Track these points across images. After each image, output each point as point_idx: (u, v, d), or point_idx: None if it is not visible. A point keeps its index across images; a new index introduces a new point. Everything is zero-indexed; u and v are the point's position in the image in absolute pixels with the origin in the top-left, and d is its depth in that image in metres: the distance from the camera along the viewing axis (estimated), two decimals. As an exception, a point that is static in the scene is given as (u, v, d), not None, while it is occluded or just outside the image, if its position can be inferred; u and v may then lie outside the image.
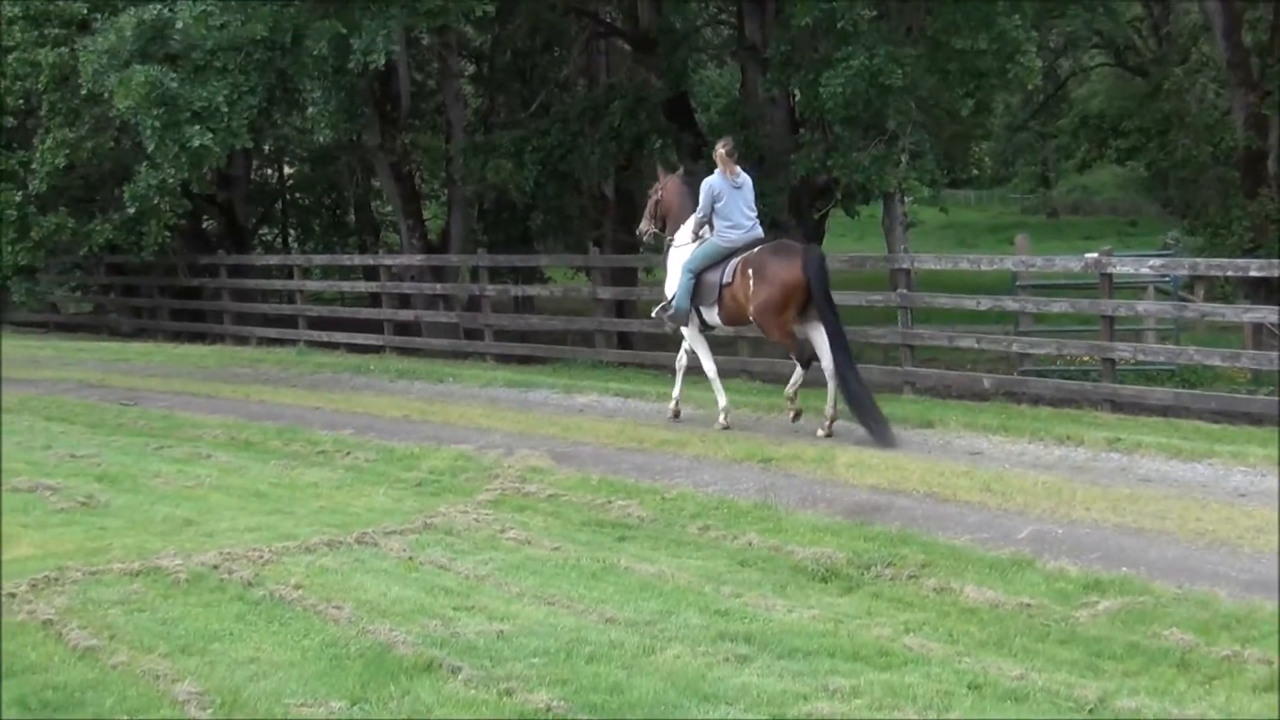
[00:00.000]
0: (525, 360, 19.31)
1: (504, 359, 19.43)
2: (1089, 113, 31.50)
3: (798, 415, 12.62)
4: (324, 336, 22.13)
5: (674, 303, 13.12)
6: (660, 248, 14.38)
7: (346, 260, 27.51)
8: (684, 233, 13.21)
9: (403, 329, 21.59)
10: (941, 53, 17.91)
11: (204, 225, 30.37)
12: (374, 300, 23.73)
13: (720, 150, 12.96)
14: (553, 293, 23.37)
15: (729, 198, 12.77)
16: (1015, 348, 16.55)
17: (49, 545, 8.38)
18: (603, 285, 19.22)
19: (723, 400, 13.02)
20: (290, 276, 24.49)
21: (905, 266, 15.52)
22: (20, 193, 23.80)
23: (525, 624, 6.83)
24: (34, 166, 23.06)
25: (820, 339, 12.27)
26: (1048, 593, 7.35)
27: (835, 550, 8.27)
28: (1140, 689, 5.96)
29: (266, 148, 32.20)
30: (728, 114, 24.56)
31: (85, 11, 22.68)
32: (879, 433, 11.86)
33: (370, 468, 11.78)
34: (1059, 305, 15.48)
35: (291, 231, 35.54)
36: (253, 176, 33.06)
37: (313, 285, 25.07)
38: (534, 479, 10.93)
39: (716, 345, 13.54)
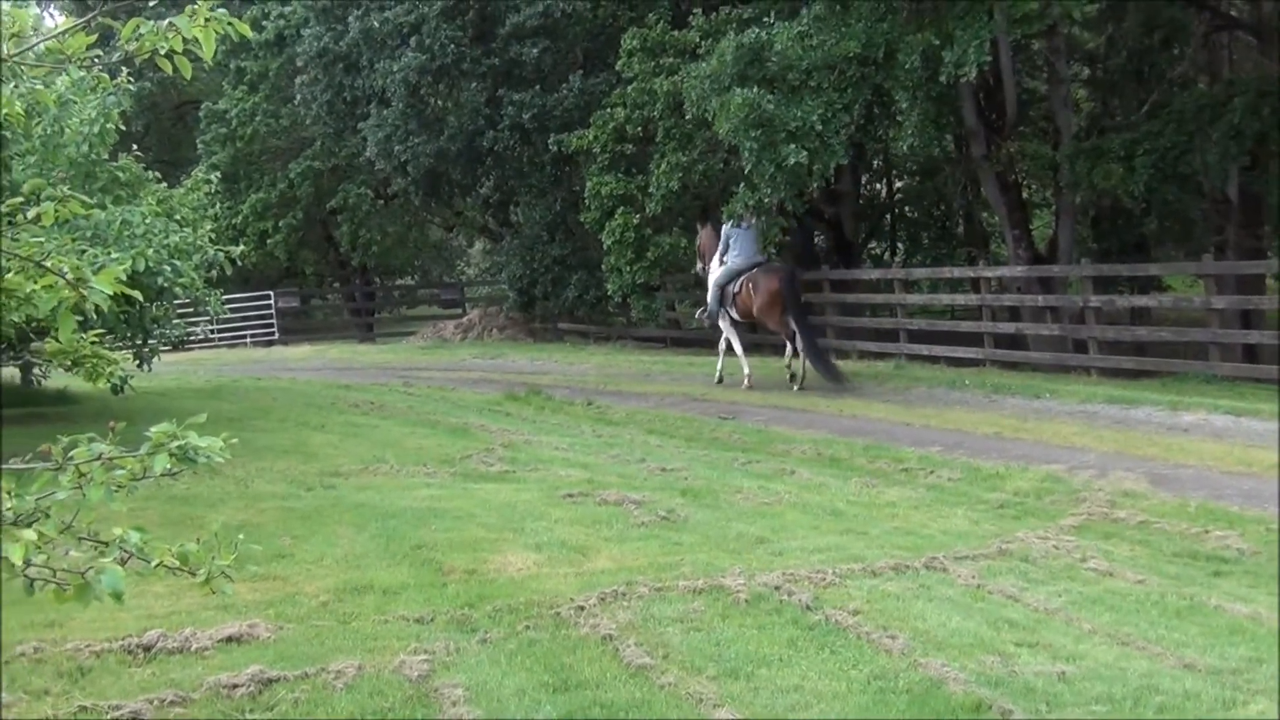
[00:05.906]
0: (1133, 375, 18.28)
1: (1109, 373, 18.47)
2: None
3: (793, 378, 19.21)
4: (924, 350, 21.89)
5: (709, 306, 20.40)
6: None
7: (947, 273, 27.11)
8: (715, 262, 20.44)
9: (1004, 342, 20.99)
10: None
11: (814, 241, 30.95)
12: (978, 313, 23.25)
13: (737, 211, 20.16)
14: (1161, 303, 22.00)
15: (739, 237, 20.05)
16: None
17: (625, 559, 8.54)
18: (1218, 294, 17.90)
19: (746, 369, 19.78)
20: (892, 290, 24.41)
21: None
22: (638, 215, 25.23)
23: (1091, 665, 6.27)
24: (650, 190, 24.35)
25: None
26: None
27: None
28: None
29: (875, 163, 32.40)
30: (1368, 103, 22.23)
31: (698, 40, 23.71)
32: (833, 377, 18.58)
33: (952, 487, 11.43)
34: None
35: (901, 245, 35.51)
36: (861, 191, 33.31)
37: (912, 299, 24.82)
38: (1125, 504, 10.24)
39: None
